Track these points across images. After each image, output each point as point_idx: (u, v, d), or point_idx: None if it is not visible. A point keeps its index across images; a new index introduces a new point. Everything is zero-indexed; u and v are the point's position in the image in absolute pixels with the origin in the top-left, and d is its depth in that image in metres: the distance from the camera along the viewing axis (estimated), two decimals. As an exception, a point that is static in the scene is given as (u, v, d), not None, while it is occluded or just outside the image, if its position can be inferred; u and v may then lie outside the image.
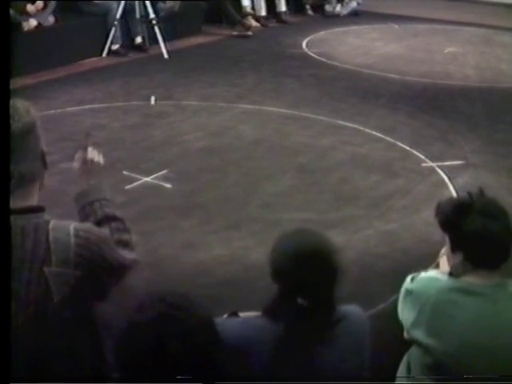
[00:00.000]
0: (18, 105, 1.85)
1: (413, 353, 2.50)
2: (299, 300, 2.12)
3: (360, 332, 2.26)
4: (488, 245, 2.32)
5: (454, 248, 2.40)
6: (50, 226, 1.82)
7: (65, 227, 1.84)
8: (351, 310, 2.27)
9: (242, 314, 2.35)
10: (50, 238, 1.80)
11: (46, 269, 1.77)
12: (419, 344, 2.41)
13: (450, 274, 2.45)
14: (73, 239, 1.82)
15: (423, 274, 2.49)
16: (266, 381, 2.09)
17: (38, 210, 1.87)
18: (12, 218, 1.76)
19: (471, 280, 2.36)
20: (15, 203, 1.81)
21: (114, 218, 2.13)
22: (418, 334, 2.39)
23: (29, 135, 1.85)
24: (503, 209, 2.38)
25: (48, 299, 1.80)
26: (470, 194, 2.40)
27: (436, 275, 2.46)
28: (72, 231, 1.83)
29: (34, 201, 1.89)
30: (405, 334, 2.48)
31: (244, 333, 2.14)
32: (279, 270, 2.16)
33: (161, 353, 1.65)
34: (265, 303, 2.21)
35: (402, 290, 2.50)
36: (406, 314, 2.44)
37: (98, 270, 1.88)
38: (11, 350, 1.70)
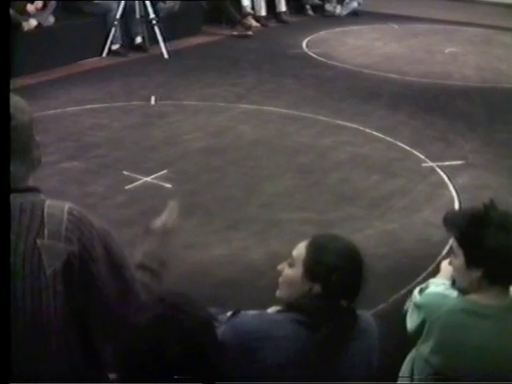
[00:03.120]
0: (18, 98, 1.95)
1: (417, 359, 2.46)
2: (342, 302, 2.15)
3: (371, 338, 2.24)
4: (508, 261, 2.23)
5: (471, 264, 2.27)
6: (46, 203, 1.91)
7: (60, 205, 1.92)
8: (363, 315, 2.26)
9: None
10: (45, 213, 1.88)
11: (38, 240, 1.84)
12: (425, 359, 2.38)
13: (453, 283, 2.40)
14: (66, 215, 1.89)
15: (432, 288, 2.41)
16: (270, 378, 2.08)
17: (35, 189, 1.96)
18: (12, 196, 1.85)
19: (481, 299, 2.28)
20: (21, 185, 1.91)
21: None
22: (425, 350, 2.36)
23: (33, 125, 1.97)
24: None
25: (41, 273, 1.84)
26: (485, 205, 2.28)
27: (444, 292, 2.38)
28: (66, 209, 1.90)
29: (30, 183, 1.99)
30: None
31: (262, 326, 2.13)
32: (328, 271, 2.14)
33: (160, 353, 1.65)
34: (289, 300, 2.20)
35: (411, 303, 2.45)
36: (414, 328, 2.41)
37: (86, 256, 1.88)
38: (11, 344, 1.72)
